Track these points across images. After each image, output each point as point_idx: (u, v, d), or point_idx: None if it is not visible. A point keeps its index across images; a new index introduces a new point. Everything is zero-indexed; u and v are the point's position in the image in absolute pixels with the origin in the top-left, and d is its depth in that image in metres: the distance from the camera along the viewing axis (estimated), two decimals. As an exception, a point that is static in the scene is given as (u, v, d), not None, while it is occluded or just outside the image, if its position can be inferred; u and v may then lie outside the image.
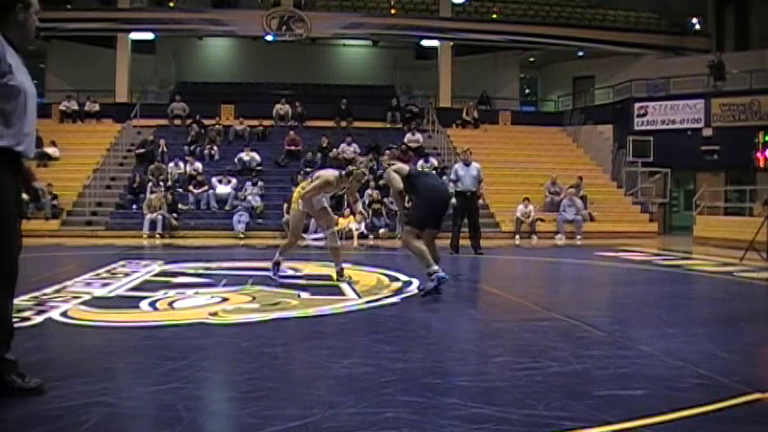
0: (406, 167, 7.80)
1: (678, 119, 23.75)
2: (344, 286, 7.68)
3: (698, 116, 23.40)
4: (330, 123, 25.32)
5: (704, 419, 3.41)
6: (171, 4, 28.69)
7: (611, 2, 29.71)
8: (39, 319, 5.90)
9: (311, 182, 8.34)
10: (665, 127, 23.79)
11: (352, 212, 14.17)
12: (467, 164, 13.63)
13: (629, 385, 4.02)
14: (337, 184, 8.31)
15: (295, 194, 8.59)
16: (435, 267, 7.22)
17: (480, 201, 14.16)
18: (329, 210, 8.78)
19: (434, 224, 7.68)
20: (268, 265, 8.88)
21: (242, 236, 18.20)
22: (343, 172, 8.30)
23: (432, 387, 3.94)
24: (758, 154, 12.77)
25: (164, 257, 11.99)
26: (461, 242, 13.68)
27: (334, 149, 22.26)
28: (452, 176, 13.99)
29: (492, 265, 12.54)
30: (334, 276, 8.48)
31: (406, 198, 7.95)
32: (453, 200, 10.95)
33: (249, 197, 19.54)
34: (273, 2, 26.79)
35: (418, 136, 24.09)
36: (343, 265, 8.69)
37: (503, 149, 24.19)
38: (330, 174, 8.34)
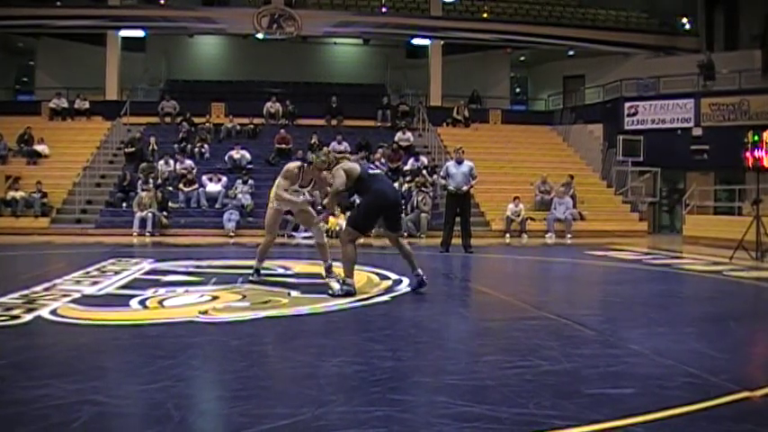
0: (357, 169, 7.50)
1: (668, 118, 23.81)
2: (334, 284, 7.68)
3: (688, 116, 23.47)
4: (321, 122, 25.29)
5: (693, 418, 3.42)
6: (161, 2, 28.63)
7: (601, 1, 29.78)
8: (28, 317, 5.87)
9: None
10: (655, 126, 23.86)
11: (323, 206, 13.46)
12: (459, 162, 13.64)
13: (618, 384, 4.04)
14: (300, 175, 8.19)
15: (271, 193, 8.48)
16: (350, 281, 7.21)
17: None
18: (309, 209, 8.66)
19: (387, 227, 7.65)
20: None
21: (232, 234, 18.17)
22: (305, 163, 8.29)
23: (422, 386, 3.95)
24: (747, 153, 12.80)
25: (154, 256, 11.97)
26: (451, 240, 13.68)
27: (325, 148, 22.20)
28: (442, 173, 14.03)
29: (482, 263, 12.55)
30: (324, 273, 8.42)
31: (355, 200, 7.80)
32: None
33: (239, 195, 19.51)
34: (264, 0, 26.75)
35: (409, 135, 24.10)
36: (333, 264, 8.65)
37: (493, 148, 24.22)
38: (291, 164, 8.31)
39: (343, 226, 17.68)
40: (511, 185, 21.18)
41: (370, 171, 7.72)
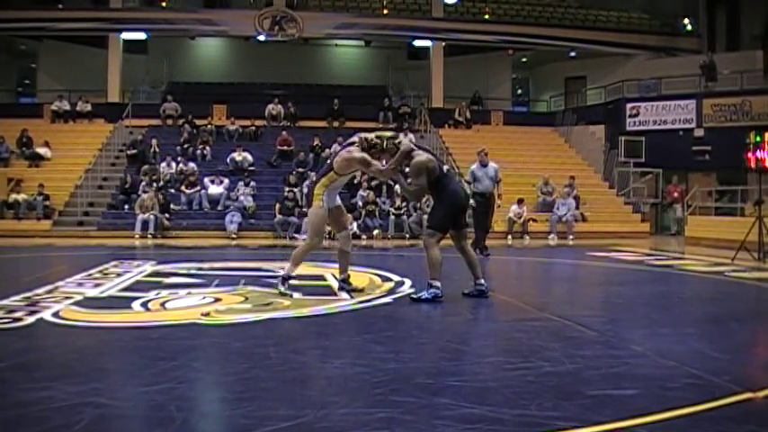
0: (436, 167, 7.40)
1: (670, 119, 23.81)
2: (335, 285, 7.61)
3: (689, 116, 23.48)
4: (322, 124, 25.29)
5: (696, 419, 3.42)
6: (163, 4, 28.64)
7: (602, 2, 29.78)
8: (30, 319, 5.87)
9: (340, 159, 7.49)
10: (656, 127, 23.86)
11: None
12: (483, 165, 13.47)
13: (620, 385, 4.03)
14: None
15: (317, 189, 7.40)
16: (438, 283, 7.08)
17: (499, 201, 13.98)
18: (344, 209, 8.11)
19: (454, 226, 7.47)
20: (260, 265, 8.83)
21: (234, 236, 18.17)
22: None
23: (424, 387, 3.94)
24: (749, 154, 12.79)
25: (156, 258, 11.96)
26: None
27: (327, 150, 22.24)
28: (469, 178, 13.84)
29: (484, 265, 12.51)
30: (335, 286, 7.90)
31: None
32: (471, 201, 10.57)
33: (241, 197, 19.52)
34: (266, 2, 26.76)
35: (411, 136, 24.06)
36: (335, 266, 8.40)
37: (495, 150, 23.95)
38: (357, 153, 7.58)
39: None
40: (513, 187, 21.10)
41: (444, 168, 7.65)
